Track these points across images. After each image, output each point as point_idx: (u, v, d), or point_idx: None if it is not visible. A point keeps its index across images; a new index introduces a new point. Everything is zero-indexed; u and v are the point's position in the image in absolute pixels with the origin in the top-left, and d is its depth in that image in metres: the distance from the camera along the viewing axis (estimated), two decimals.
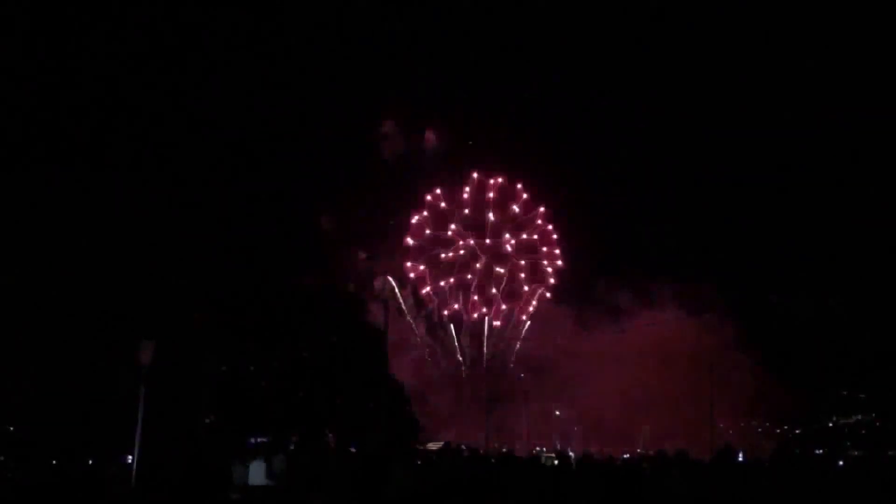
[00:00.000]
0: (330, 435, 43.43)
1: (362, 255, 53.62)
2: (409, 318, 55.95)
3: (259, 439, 32.30)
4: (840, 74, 54.33)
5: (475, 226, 58.08)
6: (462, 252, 57.45)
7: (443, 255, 56.87)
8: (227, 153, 42.65)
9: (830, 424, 55.44)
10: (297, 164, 48.17)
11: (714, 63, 56.25)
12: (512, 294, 57.74)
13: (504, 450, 47.62)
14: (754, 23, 58.85)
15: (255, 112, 44.93)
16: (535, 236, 58.37)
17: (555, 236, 58.31)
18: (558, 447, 50.78)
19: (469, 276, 57.55)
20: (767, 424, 56.16)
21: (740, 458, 47.23)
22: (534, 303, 57.51)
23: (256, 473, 17.49)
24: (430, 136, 55.48)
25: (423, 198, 57.54)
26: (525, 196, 58.30)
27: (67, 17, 37.91)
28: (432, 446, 46.38)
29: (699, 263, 54.12)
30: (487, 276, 57.69)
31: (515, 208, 58.50)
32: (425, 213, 57.62)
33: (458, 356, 56.54)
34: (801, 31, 52.94)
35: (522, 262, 58.26)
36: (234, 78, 44.64)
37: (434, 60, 54.08)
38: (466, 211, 58.04)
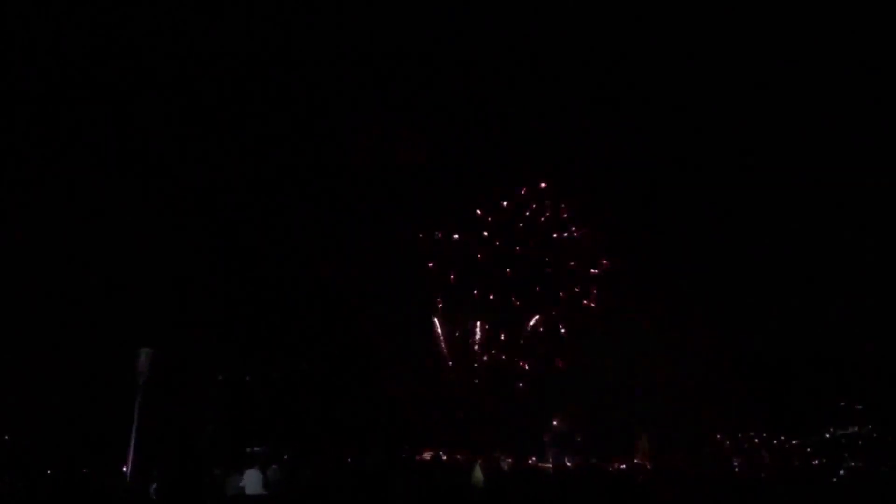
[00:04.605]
0: (327, 444, 43.29)
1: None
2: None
3: (255, 448, 32.22)
4: (838, 77, 54.43)
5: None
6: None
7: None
8: (229, 160, 42.27)
9: (828, 436, 55.38)
10: (300, 170, 47.46)
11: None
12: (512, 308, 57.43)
13: (509, 459, 47.60)
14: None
15: (259, 119, 44.50)
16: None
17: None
18: (554, 458, 50.73)
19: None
20: (765, 435, 56.10)
21: (736, 469, 47.42)
22: (535, 317, 57.18)
23: (252, 482, 17.40)
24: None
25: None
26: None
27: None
28: (427, 456, 46.36)
29: (698, 274, 54.15)
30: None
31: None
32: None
33: (455, 365, 56.18)
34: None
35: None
36: (237, 80, 44.14)
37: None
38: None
